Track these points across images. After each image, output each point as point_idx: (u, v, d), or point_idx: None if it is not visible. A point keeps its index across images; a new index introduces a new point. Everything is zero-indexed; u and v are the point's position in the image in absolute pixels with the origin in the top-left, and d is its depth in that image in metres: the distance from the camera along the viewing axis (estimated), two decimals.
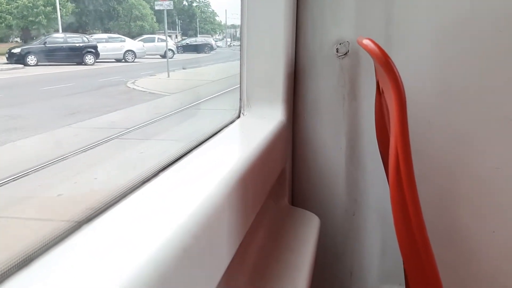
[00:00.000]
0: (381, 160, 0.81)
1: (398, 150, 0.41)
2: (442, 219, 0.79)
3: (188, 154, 0.58)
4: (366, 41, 0.44)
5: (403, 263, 0.51)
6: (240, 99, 0.83)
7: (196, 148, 0.61)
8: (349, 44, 0.79)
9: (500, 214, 0.76)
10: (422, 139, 0.79)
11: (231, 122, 0.78)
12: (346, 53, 0.80)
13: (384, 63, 0.42)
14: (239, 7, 0.82)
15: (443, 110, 0.76)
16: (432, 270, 0.50)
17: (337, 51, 0.81)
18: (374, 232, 0.86)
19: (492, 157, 0.75)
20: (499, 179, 0.75)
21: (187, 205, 0.40)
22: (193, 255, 0.35)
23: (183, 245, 0.34)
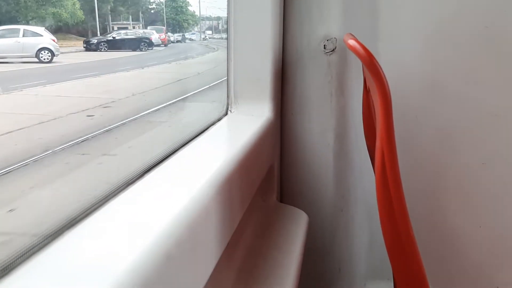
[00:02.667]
0: (368, 155, 0.82)
1: (384, 150, 0.42)
2: (429, 214, 0.80)
3: (175, 153, 0.57)
4: (351, 42, 0.44)
5: (389, 258, 0.52)
6: (228, 96, 0.82)
7: (183, 147, 0.60)
8: (336, 40, 0.79)
9: (487, 209, 0.77)
10: (409, 134, 0.79)
11: (219, 120, 0.77)
12: (333, 50, 0.80)
13: (369, 64, 0.41)
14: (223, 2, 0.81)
15: (430, 106, 0.77)
16: (417, 265, 0.51)
17: (324, 48, 0.80)
18: (362, 227, 0.87)
19: (478, 153, 0.75)
20: (485, 174, 0.76)
21: (171, 208, 0.39)
22: (177, 260, 0.35)
23: (166, 251, 0.33)
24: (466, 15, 0.72)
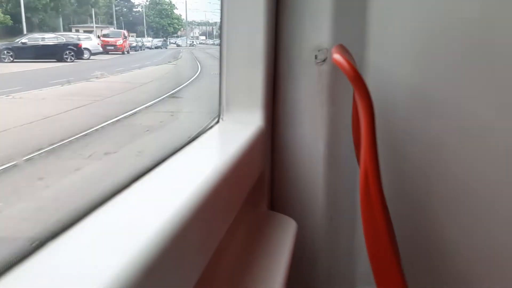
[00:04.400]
0: (357, 164, 0.83)
1: (367, 166, 0.43)
2: (415, 224, 0.81)
3: (165, 161, 0.58)
4: (337, 56, 0.45)
5: (371, 266, 0.53)
6: (220, 104, 0.83)
7: (174, 155, 0.61)
8: (327, 51, 0.80)
9: (473, 220, 0.78)
10: (397, 144, 0.80)
11: (210, 128, 0.78)
12: (324, 60, 0.81)
13: (354, 80, 0.42)
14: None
15: (417, 117, 0.78)
16: (397, 274, 0.52)
17: (315, 58, 0.82)
18: (350, 235, 0.88)
19: (465, 164, 0.76)
20: (472, 186, 0.77)
21: (158, 217, 0.40)
22: (163, 269, 0.36)
23: (152, 260, 0.34)
24: (456, 27, 0.73)
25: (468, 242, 0.78)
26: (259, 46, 0.79)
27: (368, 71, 0.80)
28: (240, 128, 0.77)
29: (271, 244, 0.70)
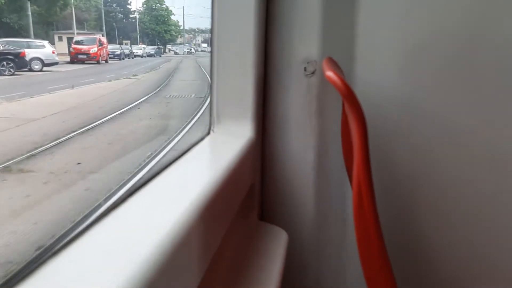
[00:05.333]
0: (346, 175, 0.84)
1: (360, 179, 0.44)
2: (404, 232, 0.83)
3: (158, 175, 0.58)
4: (329, 73, 0.46)
5: (364, 275, 0.54)
6: (210, 115, 0.84)
7: (166, 169, 0.61)
8: (316, 63, 0.82)
9: (461, 227, 0.79)
10: (386, 155, 0.82)
11: (201, 139, 0.79)
12: (313, 72, 0.82)
13: (347, 96, 0.44)
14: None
15: (406, 127, 0.80)
16: (390, 282, 0.53)
17: (305, 70, 0.83)
18: (340, 245, 0.89)
19: (452, 173, 0.78)
20: (459, 193, 0.78)
21: (153, 234, 0.40)
22: (159, 284, 0.36)
23: (148, 278, 0.34)
24: (441, 40, 0.75)
25: (457, 247, 0.80)
26: (249, 58, 0.80)
27: (356, 83, 0.82)
28: (231, 140, 0.78)
29: (263, 255, 0.71)
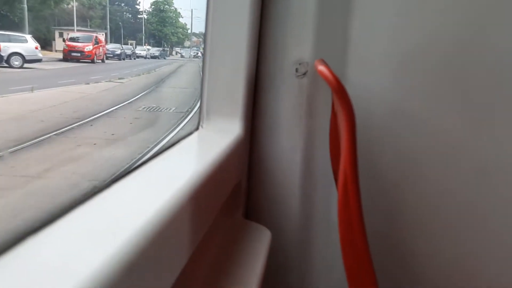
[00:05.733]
0: (333, 177, 0.84)
1: (347, 173, 0.44)
2: (388, 237, 0.83)
3: (143, 165, 0.58)
4: (321, 68, 0.46)
5: (346, 277, 0.53)
6: (200, 111, 0.83)
7: (152, 160, 0.60)
8: (308, 64, 0.82)
9: (445, 235, 0.80)
10: (373, 158, 0.82)
11: (190, 134, 0.78)
12: (305, 73, 0.83)
13: (338, 90, 0.44)
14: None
15: (394, 132, 0.80)
16: (373, 284, 0.53)
17: (296, 71, 0.83)
18: (324, 246, 0.89)
19: (438, 180, 0.79)
20: (444, 201, 0.79)
21: (136, 220, 0.39)
22: (138, 271, 0.35)
23: (126, 262, 0.33)
24: (434, 46, 0.76)
25: (439, 253, 0.80)
26: (242, 56, 0.80)
27: (347, 86, 0.82)
28: (219, 136, 0.78)
29: (245, 253, 0.70)
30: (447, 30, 0.74)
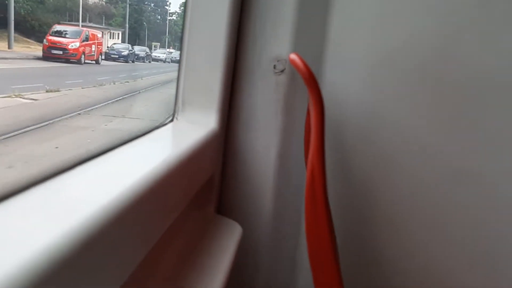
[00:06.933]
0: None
1: (314, 162, 0.44)
2: (358, 241, 0.83)
3: (110, 151, 0.56)
4: (293, 56, 0.46)
5: (312, 274, 0.53)
6: (175, 103, 0.82)
7: (120, 146, 0.59)
8: (286, 62, 0.82)
9: (416, 240, 0.80)
10: (344, 156, 0.82)
11: (163, 125, 0.77)
12: (282, 71, 0.83)
13: (308, 79, 0.44)
14: None
15: (368, 134, 0.81)
16: (338, 285, 0.53)
17: (274, 68, 0.83)
18: (294, 246, 0.88)
19: (409, 184, 0.79)
20: (415, 205, 0.79)
21: (94, 201, 0.38)
22: (95, 251, 0.34)
23: (83, 240, 0.32)
24: (414, 49, 0.76)
25: (409, 258, 0.80)
26: (219, 51, 0.79)
27: (323, 85, 0.82)
28: (194, 128, 0.77)
29: (214, 246, 0.69)
30: (426, 33, 0.75)
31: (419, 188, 0.78)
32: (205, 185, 0.77)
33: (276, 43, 0.83)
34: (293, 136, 0.85)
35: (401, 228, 0.81)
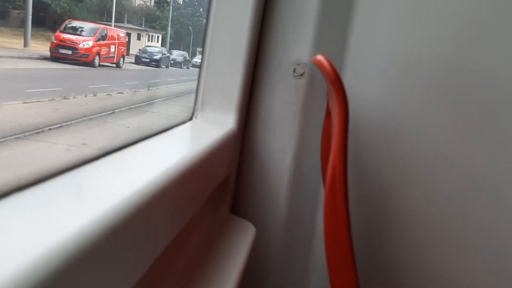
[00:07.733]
0: (321, 180, 0.84)
1: (336, 164, 0.44)
2: (371, 244, 0.83)
3: (131, 145, 0.57)
4: (319, 57, 0.47)
5: (329, 277, 0.53)
6: (195, 102, 0.83)
7: (141, 142, 0.60)
8: (306, 65, 0.83)
9: (429, 246, 0.80)
10: (363, 161, 0.82)
11: (182, 123, 0.78)
12: (302, 74, 0.83)
13: (333, 79, 0.44)
14: None
15: (386, 139, 0.80)
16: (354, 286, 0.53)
17: (294, 71, 0.84)
18: (307, 248, 0.88)
19: (424, 190, 0.79)
20: (429, 211, 0.79)
21: (114, 195, 0.39)
22: (112, 248, 0.35)
23: (106, 230, 0.33)
24: (435, 56, 0.76)
25: (423, 263, 0.80)
26: (240, 53, 0.80)
27: None
28: (212, 127, 0.77)
29: (228, 246, 0.70)
30: (447, 42, 0.75)
31: (437, 193, 0.78)
32: (221, 184, 0.77)
33: (296, 47, 0.83)
34: (310, 140, 0.85)
35: (416, 234, 0.80)
